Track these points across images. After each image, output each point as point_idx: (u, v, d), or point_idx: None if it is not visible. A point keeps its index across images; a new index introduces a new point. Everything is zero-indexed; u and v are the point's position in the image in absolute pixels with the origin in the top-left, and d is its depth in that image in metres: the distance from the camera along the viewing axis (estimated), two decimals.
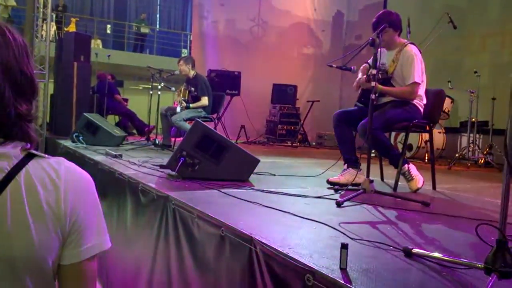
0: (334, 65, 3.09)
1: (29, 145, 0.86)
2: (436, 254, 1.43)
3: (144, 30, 16.04)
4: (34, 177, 0.82)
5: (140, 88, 16.15)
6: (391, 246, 1.57)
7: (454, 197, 3.09)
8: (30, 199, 0.80)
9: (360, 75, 3.27)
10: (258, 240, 1.51)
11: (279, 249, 1.41)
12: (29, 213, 0.79)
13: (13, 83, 0.82)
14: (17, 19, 12.89)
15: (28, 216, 0.79)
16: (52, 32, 12.89)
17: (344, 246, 1.30)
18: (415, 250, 1.47)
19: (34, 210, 0.80)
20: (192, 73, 5.83)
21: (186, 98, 5.65)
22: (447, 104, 5.92)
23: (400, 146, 5.84)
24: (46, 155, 0.87)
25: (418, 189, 3.05)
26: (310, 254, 1.40)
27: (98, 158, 3.97)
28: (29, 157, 0.84)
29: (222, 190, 2.54)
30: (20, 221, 0.78)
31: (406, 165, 3.08)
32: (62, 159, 0.88)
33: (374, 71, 2.63)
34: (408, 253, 1.48)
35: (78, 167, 0.90)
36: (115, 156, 4.05)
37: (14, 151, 0.82)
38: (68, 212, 0.84)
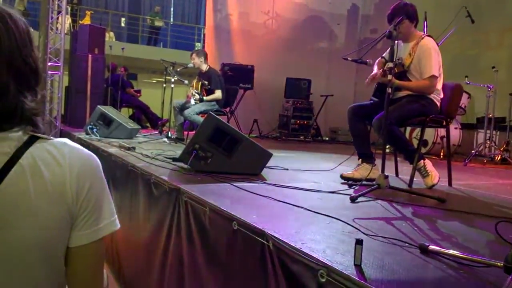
0: (350, 58, 3.04)
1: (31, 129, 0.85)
2: (453, 252, 1.40)
3: (158, 23, 16.06)
4: (38, 160, 0.80)
5: (154, 81, 16.21)
6: (407, 243, 1.53)
7: (470, 193, 3.03)
8: (35, 182, 0.78)
9: (375, 69, 3.21)
10: (271, 235, 1.49)
11: (292, 244, 1.39)
12: (35, 197, 0.78)
13: (17, 75, 0.81)
14: (33, 12, 13.04)
15: (35, 205, 0.78)
16: (67, 25, 13.00)
17: (358, 242, 1.27)
18: (432, 247, 1.44)
19: (40, 193, 0.78)
20: (204, 66, 5.82)
21: (199, 91, 5.65)
22: (464, 100, 5.81)
23: (415, 142, 5.76)
24: (51, 137, 0.85)
25: (433, 185, 2.99)
26: (324, 250, 1.38)
27: (112, 150, 3.99)
28: (32, 139, 0.82)
29: (235, 184, 2.52)
30: (26, 206, 0.77)
31: (421, 161, 3.03)
32: (66, 140, 0.87)
33: (391, 65, 2.58)
34: (424, 250, 1.44)
35: (83, 148, 0.88)
36: (128, 149, 4.06)
37: (17, 135, 0.81)
38: (75, 193, 0.83)
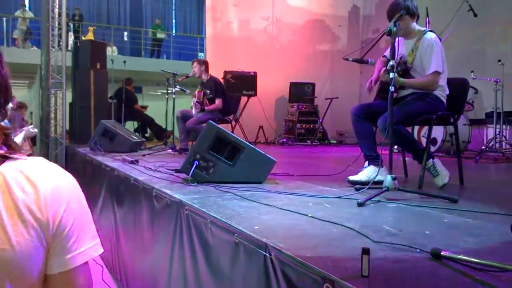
0: (350, 58, 2.97)
1: (5, 148, 0.79)
2: (467, 257, 1.31)
3: (160, 35, 16.15)
4: (9, 179, 0.74)
5: (159, 93, 16.25)
6: (418, 249, 1.44)
7: (483, 192, 2.92)
8: (6, 203, 0.72)
9: (375, 72, 3.13)
10: (273, 247, 1.41)
11: (295, 256, 1.31)
12: (6, 217, 0.72)
13: None
14: (36, 31, 13.16)
15: (5, 220, 0.72)
16: (70, 42, 13.10)
17: (365, 252, 1.19)
18: (444, 252, 1.35)
19: (11, 214, 0.72)
20: (205, 75, 5.79)
21: (202, 100, 5.61)
22: (471, 95, 5.70)
23: (424, 140, 5.65)
24: (24, 156, 0.79)
25: (444, 184, 2.89)
26: (329, 261, 1.30)
27: (115, 164, 3.94)
28: (4, 159, 0.76)
29: (237, 193, 2.45)
30: None
31: (431, 160, 2.93)
32: (41, 159, 0.81)
33: (392, 63, 2.50)
34: (436, 256, 1.36)
35: (59, 168, 0.82)
36: (131, 162, 4.01)
37: None
38: (50, 215, 0.76)
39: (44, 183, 0.77)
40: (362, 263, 1.18)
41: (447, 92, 3.05)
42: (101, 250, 0.83)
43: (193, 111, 5.58)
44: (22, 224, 0.73)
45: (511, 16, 6.53)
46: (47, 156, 6.94)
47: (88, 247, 0.81)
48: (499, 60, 5.65)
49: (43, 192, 0.76)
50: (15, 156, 0.78)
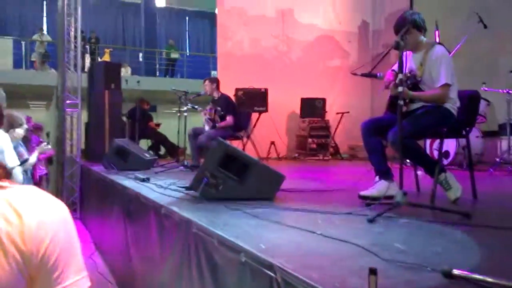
0: (359, 73, 2.96)
1: None
2: (481, 276, 1.26)
3: (174, 55, 16.41)
4: None
5: (173, 111, 16.42)
6: (429, 267, 1.40)
7: (497, 206, 2.85)
8: None
9: (388, 76, 3.10)
10: (279, 267, 1.39)
11: (301, 277, 1.29)
12: None
13: None
14: (53, 53, 13.50)
15: None
16: (88, 63, 13.39)
17: (372, 272, 1.16)
18: (456, 271, 1.31)
19: None
20: (216, 93, 5.83)
21: (213, 117, 5.64)
22: (483, 107, 5.61)
23: (436, 154, 5.56)
24: (12, 185, 0.79)
25: (457, 198, 2.83)
26: (337, 281, 1.27)
27: (126, 183, 3.96)
28: None
29: (246, 211, 2.43)
30: None
31: (443, 174, 2.87)
32: (31, 188, 0.80)
33: (401, 76, 2.48)
34: (448, 275, 1.31)
35: (49, 196, 0.80)
36: (143, 180, 4.03)
37: None
38: (34, 247, 0.74)
39: (30, 214, 0.75)
40: (369, 285, 1.15)
41: (458, 104, 3.01)
42: (87, 285, 0.81)
43: (206, 127, 5.61)
44: (3, 255, 0.72)
45: None
46: (62, 175, 7.03)
47: (73, 281, 0.78)
48: (511, 71, 5.57)
49: (28, 223, 0.74)
50: (3, 185, 0.78)
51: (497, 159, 5.45)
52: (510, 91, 5.55)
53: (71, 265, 0.78)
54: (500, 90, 5.64)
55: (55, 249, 0.76)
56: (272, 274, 1.40)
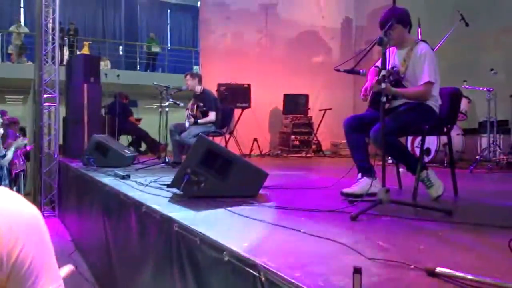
0: (341, 69, 2.95)
1: None
2: (463, 274, 1.26)
3: (155, 49, 16.19)
4: None
5: (154, 106, 16.22)
6: (412, 265, 1.40)
7: (478, 203, 2.89)
8: None
9: (368, 81, 3.11)
10: (262, 265, 1.37)
11: (285, 276, 1.27)
12: None
13: None
14: (30, 45, 13.16)
15: None
16: (66, 56, 13.08)
17: (357, 271, 1.14)
18: (439, 269, 1.31)
19: None
20: (199, 88, 5.77)
21: (195, 113, 5.57)
22: (464, 105, 5.70)
23: (417, 151, 5.63)
24: None
25: (439, 196, 2.85)
26: (321, 280, 1.25)
27: (106, 180, 3.88)
28: None
29: (229, 208, 2.40)
30: None
31: (424, 171, 2.89)
32: (4, 190, 0.75)
33: (384, 72, 2.48)
34: (431, 273, 1.31)
35: (21, 199, 0.75)
36: (123, 177, 3.95)
37: None
38: (5, 254, 0.69)
39: (0, 218, 0.70)
40: (354, 283, 1.14)
41: (440, 102, 3.03)
42: None
43: (186, 124, 5.54)
44: None
45: (503, 24, 6.57)
46: (39, 172, 6.87)
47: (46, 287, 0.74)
48: (492, 69, 5.67)
49: None
50: None
51: (477, 157, 5.54)
52: (491, 89, 5.64)
53: (45, 273, 0.74)
54: (481, 88, 5.73)
55: (28, 255, 0.72)
56: (256, 273, 1.38)
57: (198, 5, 9.32)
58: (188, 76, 5.82)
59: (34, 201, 7.04)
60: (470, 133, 6.30)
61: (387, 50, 2.53)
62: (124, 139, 8.75)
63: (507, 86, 5.95)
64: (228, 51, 8.71)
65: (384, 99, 2.47)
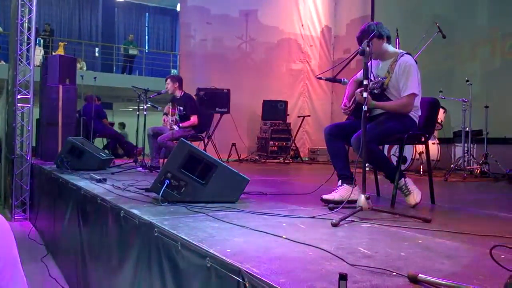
0: (323, 77, 2.97)
1: None
2: (445, 281, 1.28)
3: (133, 51, 16.00)
4: None
5: (130, 109, 16.01)
6: (394, 272, 1.41)
7: (455, 211, 2.95)
8: None
9: (346, 95, 3.17)
10: (247, 272, 1.35)
11: (270, 282, 1.26)
12: None
13: None
14: (4, 45, 12.78)
15: None
16: (40, 57, 12.76)
17: (342, 277, 1.14)
18: (422, 276, 1.32)
19: None
20: (179, 92, 5.72)
21: (175, 117, 5.53)
22: (440, 114, 5.85)
23: (394, 159, 5.72)
24: None
25: (416, 204, 2.90)
26: (306, 286, 1.25)
27: (81, 183, 3.78)
28: None
29: (210, 214, 2.38)
30: None
31: (402, 179, 2.94)
32: None
33: (366, 82, 2.51)
34: (414, 280, 1.32)
35: None
36: (99, 181, 3.87)
37: None
38: None
39: None
40: None
41: (420, 113, 3.09)
42: None
43: (168, 127, 5.49)
44: None
45: (478, 36, 6.78)
46: (11, 174, 6.66)
47: None
48: (467, 80, 5.83)
49: None
50: None
51: (452, 165, 5.67)
52: (466, 100, 5.80)
53: (12, 285, 0.71)
54: (456, 99, 5.88)
55: None
56: (240, 280, 1.36)
57: (178, 9, 9.27)
58: (168, 80, 5.77)
59: (5, 203, 6.83)
60: (445, 142, 6.46)
61: (369, 61, 2.57)
62: (100, 143, 8.59)
63: (482, 96, 6.13)
64: (208, 56, 8.70)
65: (365, 107, 2.50)
